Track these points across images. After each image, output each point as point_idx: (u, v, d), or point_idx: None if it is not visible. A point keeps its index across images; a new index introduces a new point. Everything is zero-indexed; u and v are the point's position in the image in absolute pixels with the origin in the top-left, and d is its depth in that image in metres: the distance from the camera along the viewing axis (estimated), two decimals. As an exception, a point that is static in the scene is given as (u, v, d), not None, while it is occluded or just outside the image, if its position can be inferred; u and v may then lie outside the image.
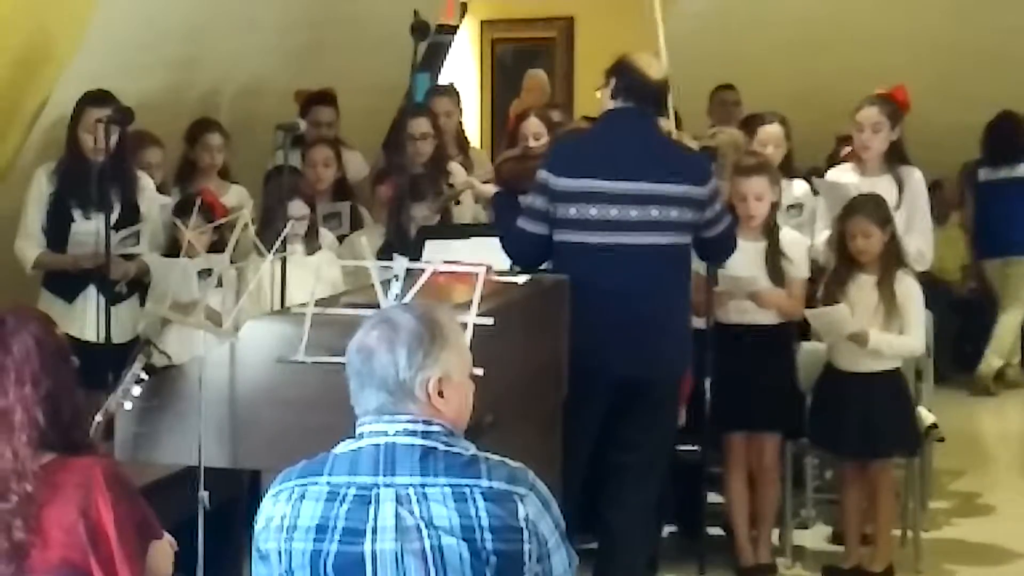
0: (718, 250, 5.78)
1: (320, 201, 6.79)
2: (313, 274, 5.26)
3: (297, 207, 6.22)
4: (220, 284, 5.55)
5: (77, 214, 6.27)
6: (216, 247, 5.77)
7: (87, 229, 6.19)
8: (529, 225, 5.46)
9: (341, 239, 6.72)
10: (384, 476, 2.97)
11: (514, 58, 11.86)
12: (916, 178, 6.58)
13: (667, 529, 6.58)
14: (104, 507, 3.34)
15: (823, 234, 6.57)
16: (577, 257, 5.30)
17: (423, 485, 2.95)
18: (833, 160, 7.47)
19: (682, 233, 5.40)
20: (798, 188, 6.95)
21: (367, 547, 2.94)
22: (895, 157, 6.58)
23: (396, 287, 4.15)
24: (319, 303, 4.28)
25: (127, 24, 6.69)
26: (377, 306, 3.93)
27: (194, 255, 5.54)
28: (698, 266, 6.19)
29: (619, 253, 5.25)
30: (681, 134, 6.18)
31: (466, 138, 8.25)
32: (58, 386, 3.40)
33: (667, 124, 5.86)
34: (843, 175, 6.65)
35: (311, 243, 6.33)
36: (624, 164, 5.33)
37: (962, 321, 10.28)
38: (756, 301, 6.09)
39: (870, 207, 6.11)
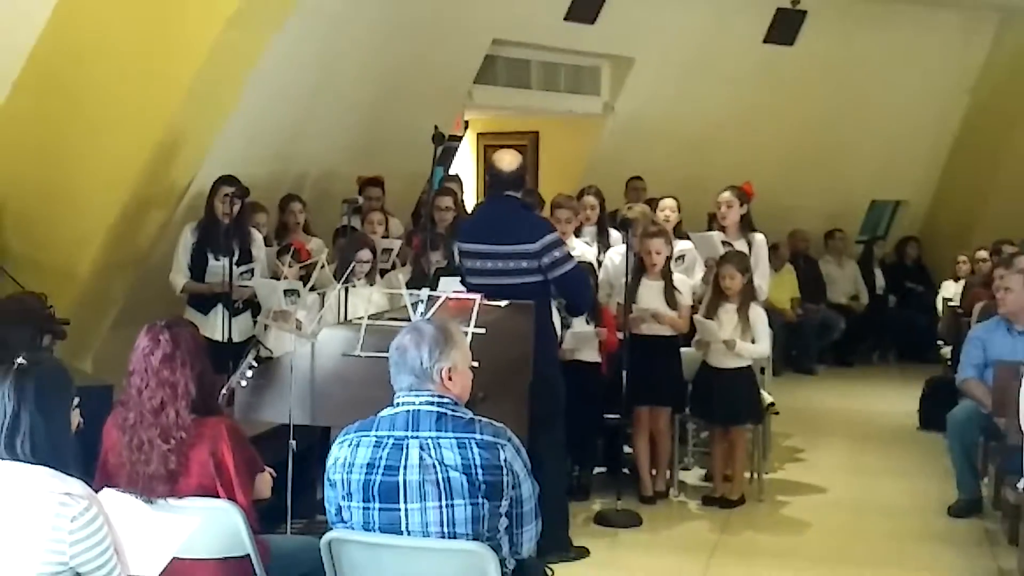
0: (567, 293, 5.32)
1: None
2: (367, 299, 5.28)
3: (365, 254, 6.19)
4: (298, 298, 5.54)
5: (211, 257, 6.26)
6: (304, 279, 5.76)
7: (217, 266, 6.19)
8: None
9: (383, 272, 6.68)
10: (412, 431, 2.99)
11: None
12: (759, 240, 6.62)
13: (597, 470, 6.59)
14: (226, 450, 3.35)
15: (700, 273, 6.62)
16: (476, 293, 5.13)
17: (438, 437, 2.98)
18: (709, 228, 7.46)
19: (528, 275, 5.13)
20: (683, 245, 6.97)
21: (400, 478, 2.96)
22: (746, 227, 6.61)
23: (421, 308, 4.18)
24: (371, 317, 4.30)
25: (248, 127, 6.71)
26: (409, 320, 3.96)
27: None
28: (618, 297, 6.23)
29: (494, 291, 5.00)
30: None
31: (466, 211, 8.25)
32: (203, 369, 3.40)
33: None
34: (712, 237, 6.67)
35: (372, 278, 6.25)
36: (488, 233, 5.18)
37: (787, 335, 10.30)
38: (656, 319, 6.12)
39: (736, 259, 6.16)
